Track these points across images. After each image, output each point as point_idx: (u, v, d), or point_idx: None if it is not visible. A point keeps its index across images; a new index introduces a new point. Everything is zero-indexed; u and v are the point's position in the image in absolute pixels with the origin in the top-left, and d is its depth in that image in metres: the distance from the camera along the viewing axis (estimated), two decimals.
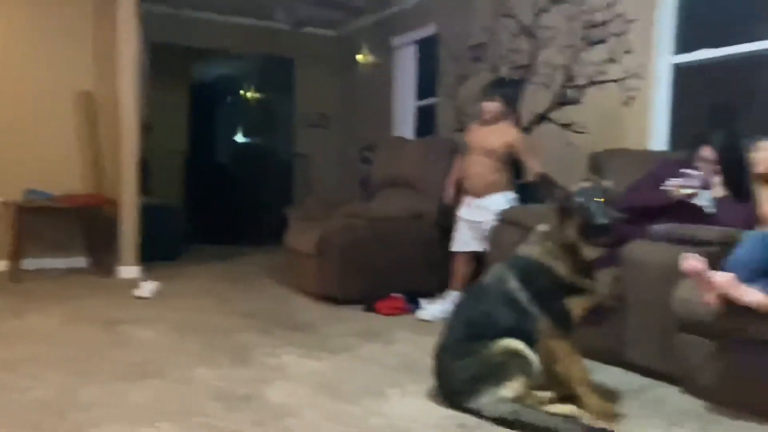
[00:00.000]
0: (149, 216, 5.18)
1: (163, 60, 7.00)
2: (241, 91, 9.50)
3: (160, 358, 2.71)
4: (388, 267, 4.02)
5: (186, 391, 2.30)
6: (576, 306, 2.12)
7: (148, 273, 4.72)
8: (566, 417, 1.97)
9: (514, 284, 2.11)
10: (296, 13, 5.91)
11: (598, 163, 3.57)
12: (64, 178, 4.98)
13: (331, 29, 7.58)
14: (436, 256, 4.28)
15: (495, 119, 3.64)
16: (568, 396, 2.19)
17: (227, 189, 8.32)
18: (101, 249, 4.95)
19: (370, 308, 3.78)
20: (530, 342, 2.07)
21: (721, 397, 2.21)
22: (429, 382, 2.38)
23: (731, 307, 2.03)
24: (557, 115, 4.54)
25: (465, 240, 3.74)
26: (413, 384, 2.42)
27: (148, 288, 4.04)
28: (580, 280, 2.12)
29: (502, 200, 3.62)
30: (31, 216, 4.65)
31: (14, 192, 4.74)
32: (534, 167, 3.50)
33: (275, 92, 8.66)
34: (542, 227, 2.21)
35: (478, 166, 3.65)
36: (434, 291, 4.22)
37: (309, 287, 4.20)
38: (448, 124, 5.70)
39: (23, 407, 2.10)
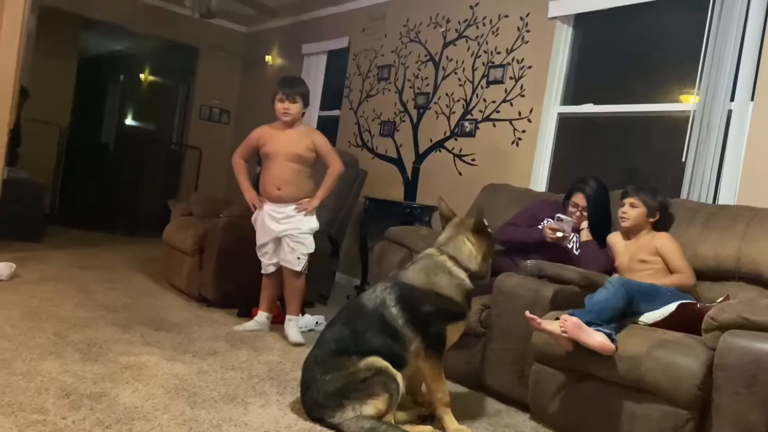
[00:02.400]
0: (12, 190, 4.75)
1: (51, 25, 6.49)
2: (139, 73, 9.03)
3: (3, 346, 2.47)
4: None
5: (27, 385, 2.11)
6: (453, 330, 2.21)
7: (5, 253, 4.30)
8: None
9: (392, 309, 2.15)
10: (207, 3, 5.71)
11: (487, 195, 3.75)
12: None
13: (242, 25, 7.41)
14: (319, 267, 4.26)
15: (294, 121, 3.31)
16: (427, 416, 2.25)
17: (107, 172, 7.83)
18: None
19: (245, 313, 3.68)
20: (396, 362, 2.10)
21: (566, 426, 2.37)
22: (294, 393, 2.36)
23: (579, 346, 2.19)
24: (451, 144, 4.72)
25: (267, 260, 3.36)
26: (277, 394, 2.38)
27: (1, 270, 3.67)
28: (465, 305, 2.22)
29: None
30: None
31: None
32: (336, 168, 3.32)
33: (174, 79, 8.31)
34: (432, 250, 2.28)
35: (287, 172, 3.25)
36: (312, 302, 4.21)
37: (182, 285, 4.03)
38: (349, 138, 5.75)
39: None
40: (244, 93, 7.41)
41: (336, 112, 6.07)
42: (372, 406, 2.03)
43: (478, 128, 4.53)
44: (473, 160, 4.54)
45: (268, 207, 3.31)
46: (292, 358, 2.92)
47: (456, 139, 4.69)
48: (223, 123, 7.47)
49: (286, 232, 3.26)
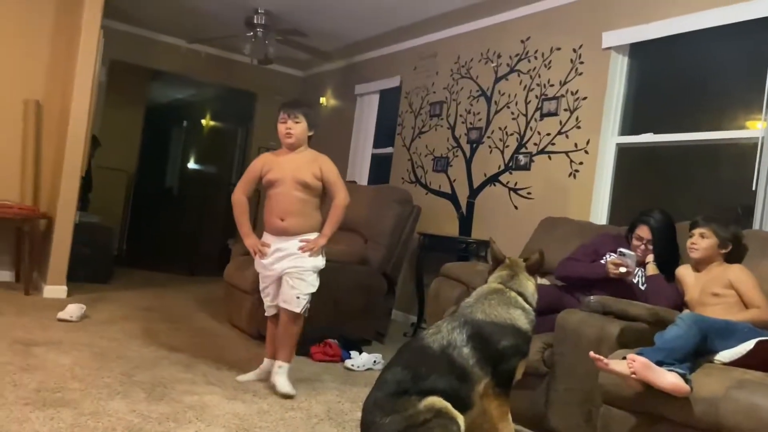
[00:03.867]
0: (84, 234, 4.99)
1: (121, 77, 6.90)
2: (201, 119, 9.43)
3: (74, 386, 2.56)
4: (325, 310, 3.94)
5: (96, 425, 2.17)
6: (521, 368, 2.16)
7: (77, 294, 4.50)
8: None
9: (463, 349, 2.10)
10: (264, 51, 5.94)
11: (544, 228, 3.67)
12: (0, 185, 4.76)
13: (298, 69, 7.66)
14: (375, 305, 4.26)
15: (299, 143, 2.99)
16: None
17: (171, 214, 8.13)
18: (29, 264, 4.69)
19: (303, 352, 3.69)
20: (461, 404, 2.05)
21: None
22: None
23: (650, 387, 2.08)
24: (506, 178, 4.68)
25: (270, 300, 3.04)
26: None
27: (72, 310, 3.83)
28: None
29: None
30: None
31: None
32: (342, 199, 2.97)
33: (233, 123, 8.63)
34: (499, 286, 2.26)
35: (291, 202, 2.92)
36: (370, 340, 4.19)
37: (243, 324, 4.09)
38: (402, 175, 5.79)
39: None
40: None
41: (389, 150, 6.13)
42: None
43: (533, 161, 4.47)
44: (529, 193, 4.47)
45: (267, 239, 2.97)
46: (350, 398, 2.89)
47: (511, 173, 4.64)
48: None
49: (287, 270, 2.90)
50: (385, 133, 6.24)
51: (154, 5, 5.85)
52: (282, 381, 2.87)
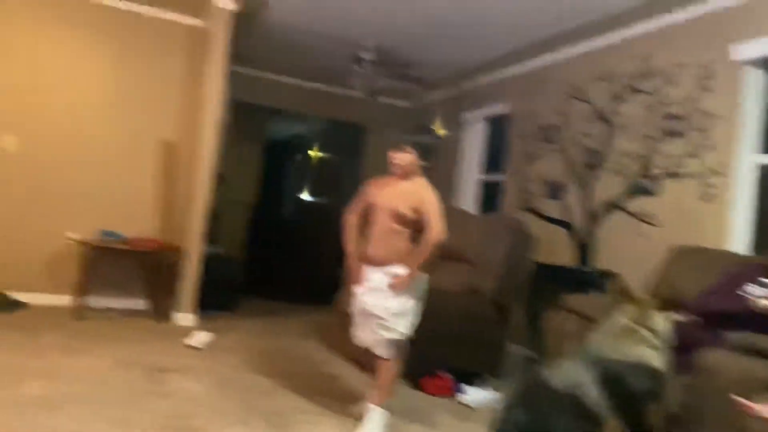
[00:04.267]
0: (212, 265, 5.30)
1: (242, 117, 7.35)
2: (311, 151, 9.82)
3: (200, 413, 2.68)
4: (437, 342, 3.88)
5: None
6: (654, 413, 1.98)
7: (203, 322, 4.78)
8: None
9: (590, 389, 1.96)
10: (373, 84, 6.10)
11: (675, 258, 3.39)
12: (136, 221, 5.20)
13: (405, 100, 7.78)
14: (489, 336, 4.13)
15: (406, 173, 2.94)
16: None
17: (287, 244, 8.45)
18: (161, 293, 5.07)
19: (415, 384, 3.65)
20: None
21: None
22: None
23: None
24: (629, 204, 4.40)
25: (361, 328, 2.96)
26: None
27: (200, 338, 4.06)
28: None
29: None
30: (100, 255, 4.84)
31: (86, 230, 4.97)
32: (435, 235, 2.78)
33: (344, 155, 8.90)
34: (630, 323, 2.11)
35: (383, 231, 2.87)
36: (484, 373, 4.05)
37: (355, 354, 4.11)
38: (513, 202, 5.63)
39: None
40: None
41: (499, 177, 6.01)
42: None
43: (659, 185, 4.17)
44: (657, 220, 4.17)
45: (366, 270, 2.90)
46: None
47: (634, 199, 4.36)
48: None
49: (373, 309, 2.80)
50: (494, 160, 6.13)
51: (270, 49, 6.21)
52: (369, 426, 2.74)
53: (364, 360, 3.01)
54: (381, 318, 2.77)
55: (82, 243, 4.85)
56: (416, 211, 2.82)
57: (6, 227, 4.86)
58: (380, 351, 2.81)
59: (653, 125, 4.27)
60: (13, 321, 4.18)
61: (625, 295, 2.23)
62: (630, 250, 4.29)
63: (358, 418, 2.85)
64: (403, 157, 2.91)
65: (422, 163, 2.97)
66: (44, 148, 4.98)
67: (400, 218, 2.82)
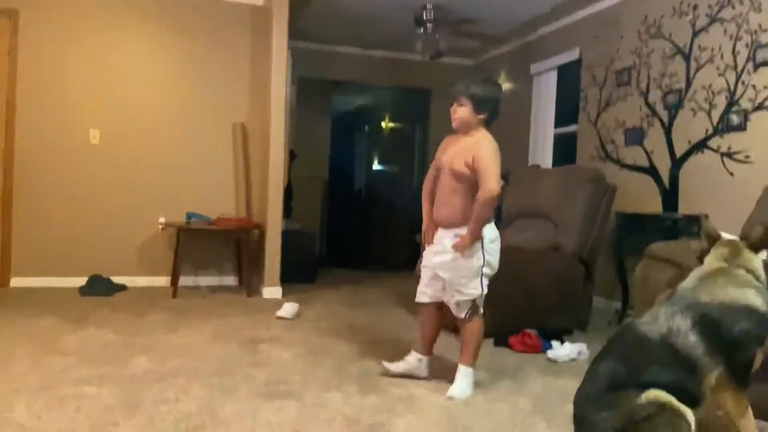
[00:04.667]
0: (291, 239, 5.47)
1: (307, 92, 7.45)
2: (383, 123, 9.82)
3: (295, 379, 2.80)
4: (520, 300, 3.85)
5: (318, 416, 2.35)
6: (759, 357, 1.89)
7: (289, 294, 4.96)
8: None
9: (688, 335, 1.88)
10: (435, 45, 5.99)
11: None
12: (218, 202, 5.42)
13: (469, 58, 7.59)
14: (573, 292, 4.05)
15: (466, 128, 2.79)
16: None
17: (362, 215, 8.57)
18: (248, 269, 5.29)
19: (502, 342, 3.65)
20: (688, 399, 1.84)
21: None
22: (565, 428, 2.23)
23: None
24: (716, 142, 4.14)
25: (423, 285, 2.90)
26: (547, 429, 2.27)
27: (288, 309, 4.23)
28: None
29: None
30: (189, 237, 5.10)
31: (175, 215, 5.25)
32: (486, 192, 2.63)
33: (411, 122, 8.85)
34: (724, 265, 2.00)
35: (444, 191, 2.80)
36: (570, 329, 3.99)
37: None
38: (590, 153, 5.43)
39: (171, 419, 2.26)
40: None
41: (573, 128, 5.80)
42: None
43: (749, 120, 3.90)
44: (747, 157, 3.91)
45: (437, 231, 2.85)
46: (556, 391, 2.78)
47: (721, 136, 4.10)
48: None
49: (441, 272, 2.76)
50: (566, 111, 5.91)
51: (330, 20, 6.20)
52: (458, 384, 2.70)
53: (424, 323, 2.96)
54: (453, 284, 2.72)
55: (172, 226, 5.12)
56: (470, 167, 2.68)
57: (102, 217, 5.20)
58: (456, 313, 2.77)
59: (738, 56, 3.97)
60: (116, 303, 4.50)
61: (715, 237, 2.11)
62: (720, 192, 4.06)
63: (387, 373, 2.88)
64: (458, 110, 2.77)
65: (481, 115, 2.76)
66: (125, 140, 5.26)
67: (457, 176, 2.72)
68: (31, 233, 5.04)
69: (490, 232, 2.73)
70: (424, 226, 2.92)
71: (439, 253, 2.77)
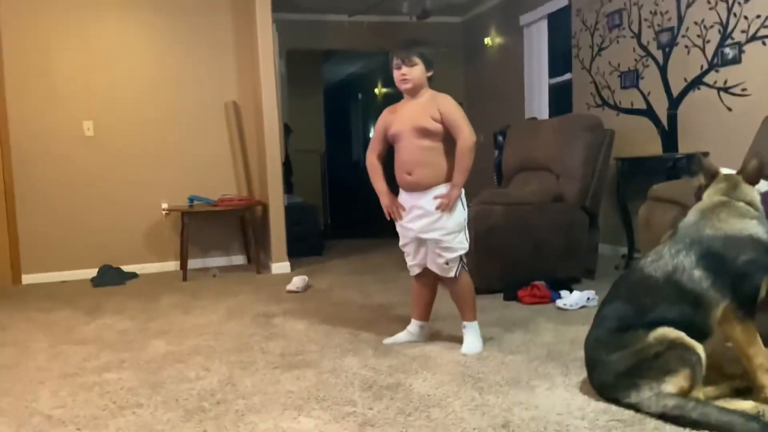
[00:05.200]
0: (294, 214, 5.49)
1: (297, 65, 7.37)
2: (373, 88, 9.74)
3: (311, 348, 2.85)
4: (527, 253, 3.89)
5: (336, 381, 2.39)
6: (764, 285, 1.91)
7: (298, 268, 5.00)
8: (745, 413, 1.74)
9: (693, 271, 1.90)
10: (422, 4, 5.89)
11: None
12: (218, 183, 5.43)
13: (456, 15, 7.48)
14: (578, 241, 4.07)
15: (417, 88, 2.70)
16: (743, 390, 1.97)
17: (362, 184, 8.59)
18: (255, 246, 5.33)
19: (511, 296, 3.69)
20: (697, 333, 1.87)
21: None
22: (579, 374, 2.27)
23: None
24: (712, 78, 4.10)
25: (411, 260, 2.83)
26: (562, 376, 2.31)
27: (298, 283, 4.27)
28: None
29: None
30: (193, 220, 5.12)
31: (178, 199, 5.26)
32: (465, 141, 2.58)
33: None
34: (722, 198, 2.02)
35: (415, 154, 2.66)
36: (578, 277, 4.03)
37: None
38: (586, 100, 5.39)
39: (194, 396, 2.31)
40: (470, 82, 7.47)
41: (567, 77, 5.75)
42: (671, 384, 1.84)
43: (743, 52, 3.85)
44: (744, 90, 3.88)
45: (403, 198, 2.76)
46: (568, 338, 2.82)
47: (717, 71, 4.06)
48: None
49: (427, 234, 2.66)
50: (559, 60, 5.85)
51: None
52: (468, 341, 2.72)
53: (417, 292, 2.92)
54: (438, 240, 2.64)
55: (176, 211, 5.14)
56: (438, 121, 2.61)
57: (106, 208, 5.23)
58: (445, 273, 2.71)
59: None
60: (129, 291, 4.55)
61: (713, 173, 2.12)
62: (719, 128, 4.04)
63: (393, 343, 2.85)
64: (412, 71, 2.65)
65: (429, 73, 2.70)
66: (119, 129, 5.25)
67: (426, 133, 2.62)
68: (38, 229, 5.08)
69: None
70: (386, 202, 2.80)
71: (419, 217, 2.67)
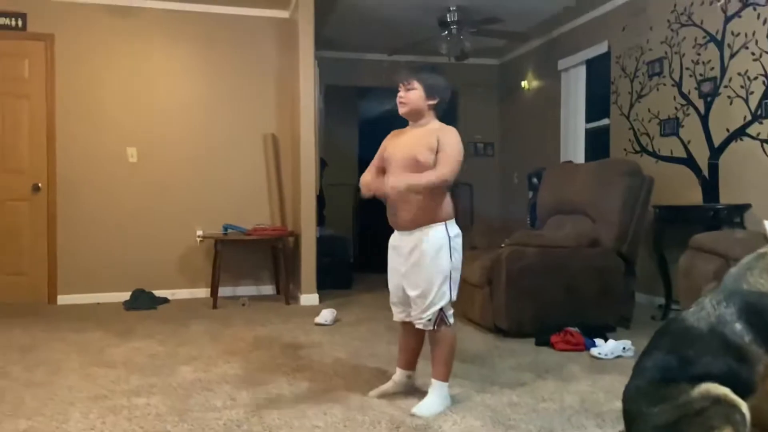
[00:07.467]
0: (325, 246, 5.51)
1: (335, 100, 7.51)
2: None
3: (338, 383, 2.82)
4: (560, 298, 3.81)
5: (363, 418, 2.35)
6: None
7: (326, 300, 5.00)
8: None
9: (735, 324, 1.84)
10: (460, 46, 5.98)
11: None
12: (253, 213, 5.51)
13: (494, 58, 7.56)
14: (614, 288, 3.98)
15: (416, 116, 2.50)
16: None
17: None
18: (285, 277, 5.35)
19: (544, 342, 3.60)
20: (740, 388, 1.80)
21: None
22: (615, 426, 2.19)
23: None
24: (755, 129, 4.04)
25: (394, 301, 2.62)
26: (596, 428, 2.24)
27: (326, 315, 4.26)
28: None
29: (440, 235, 2.43)
30: (226, 248, 5.18)
31: (212, 227, 5.34)
32: (442, 174, 2.34)
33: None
34: (763, 249, 1.96)
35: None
36: (612, 326, 3.93)
37: (476, 317, 4.13)
38: (624, 146, 5.35)
39: (220, 426, 2.30)
40: (504, 123, 7.50)
41: (605, 122, 5.72)
42: None
43: None
44: None
45: (394, 237, 2.60)
46: (603, 388, 2.74)
47: (761, 123, 3.99)
48: (488, 155, 7.66)
49: (405, 283, 2.48)
50: (596, 105, 5.84)
51: (355, 27, 6.25)
52: (428, 400, 2.44)
53: (403, 339, 2.69)
54: (414, 293, 2.45)
55: (210, 239, 5.21)
56: (434, 151, 2.38)
57: (142, 233, 5.33)
58: (424, 326, 2.47)
59: None
60: (160, 315, 4.60)
61: None
62: (762, 180, 3.96)
63: (381, 395, 2.61)
64: (408, 95, 2.45)
65: (431, 101, 2.47)
66: (161, 156, 5.39)
67: (415, 166, 2.39)
68: (76, 252, 5.19)
69: (454, 227, 2.49)
70: (366, 178, 2.59)
71: (406, 256, 2.48)
